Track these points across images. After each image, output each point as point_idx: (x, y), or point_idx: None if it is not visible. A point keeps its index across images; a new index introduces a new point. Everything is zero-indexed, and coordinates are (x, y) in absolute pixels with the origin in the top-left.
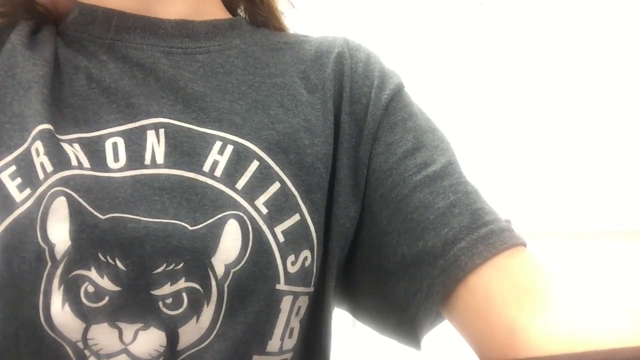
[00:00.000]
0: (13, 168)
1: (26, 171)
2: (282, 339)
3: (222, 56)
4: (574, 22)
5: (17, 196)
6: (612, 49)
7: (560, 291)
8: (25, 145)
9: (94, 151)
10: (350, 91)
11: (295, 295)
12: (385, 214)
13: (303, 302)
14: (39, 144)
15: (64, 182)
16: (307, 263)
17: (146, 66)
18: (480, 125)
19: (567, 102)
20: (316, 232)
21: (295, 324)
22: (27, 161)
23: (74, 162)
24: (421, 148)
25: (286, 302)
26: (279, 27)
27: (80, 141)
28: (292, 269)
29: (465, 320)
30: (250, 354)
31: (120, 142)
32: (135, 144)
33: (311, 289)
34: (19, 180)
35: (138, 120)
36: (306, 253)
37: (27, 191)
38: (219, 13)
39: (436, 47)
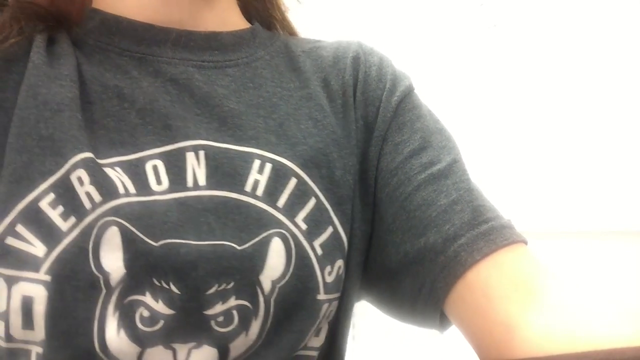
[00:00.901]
0: (52, 196)
1: (68, 199)
2: (309, 339)
3: (250, 69)
4: (574, 22)
5: (62, 225)
6: (612, 49)
7: (558, 289)
8: (62, 172)
9: (136, 174)
10: (363, 95)
11: (330, 302)
12: (390, 212)
13: (334, 307)
14: (82, 173)
15: (114, 211)
16: (341, 271)
17: (180, 82)
18: (480, 125)
19: (567, 102)
20: (347, 241)
21: (324, 325)
22: (66, 189)
23: (121, 190)
24: (427, 148)
25: (323, 310)
26: (289, 31)
27: (121, 165)
28: (329, 279)
29: (464, 317)
30: (290, 356)
31: (160, 164)
32: (175, 166)
33: (339, 294)
34: (60, 208)
35: (176, 143)
36: (340, 262)
37: (72, 220)
38: (240, 22)
39: (436, 47)
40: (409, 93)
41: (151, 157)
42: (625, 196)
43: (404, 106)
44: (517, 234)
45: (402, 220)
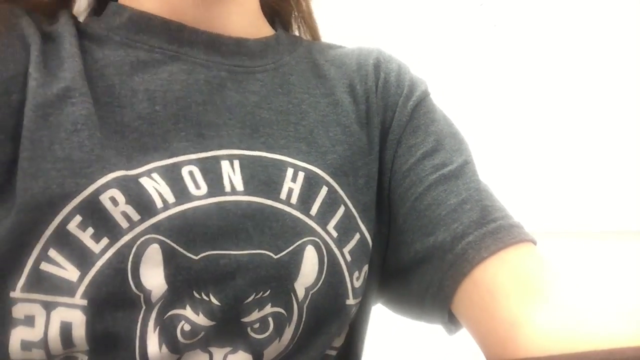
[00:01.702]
0: (79, 218)
1: (98, 220)
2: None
3: (278, 74)
4: (574, 22)
5: (94, 247)
6: (613, 49)
7: (564, 288)
8: (87, 193)
9: (174, 179)
10: (383, 100)
11: (357, 306)
12: (401, 213)
13: (356, 308)
14: (115, 192)
15: (154, 228)
16: (366, 276)
17: (213, 85)
18: (480, 125)
19: (568, 102)
20: (372, 246)
21: (347, 326)
22: (94, 210)
23: (159, 204)
24: (440, 150)
25: (351, 314)
26: (313, 34)
27: (158, 170)
28: (357, 284)
29: (470, 314)
30: (318, 357)
31: (196, 170)
32: (211, 172)
33: (362, 297)
34: (90, 230)
35: (210, 151)
36: (366, 267)
37: (105, 241)
38: (264, 27)
39: (436, 47)
40: (424, 98)
41: (187, 162)
42: (625, 196)
43: (419, 110)
44: (525, 233)
45: (413, 220)
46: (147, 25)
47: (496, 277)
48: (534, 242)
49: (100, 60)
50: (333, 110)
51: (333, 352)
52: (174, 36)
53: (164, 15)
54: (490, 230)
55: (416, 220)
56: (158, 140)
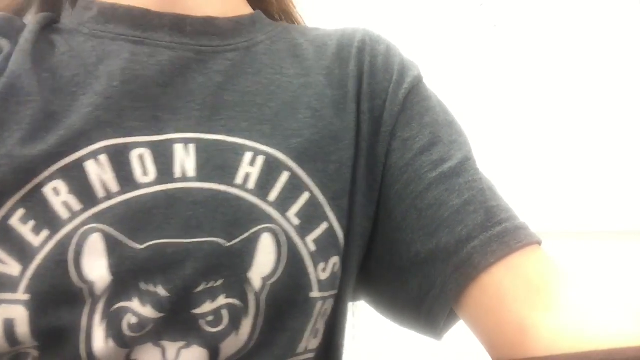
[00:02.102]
0: (22, 211)
1: (39, 213)
2: (308, 340)
3: (250, 54)
4: (574, 22)
5: (34, 240)
6: (613, 48)
7: (573, 290)
8: (31, 186)
9: (121, 164)
10: (369, 87)
11: (325, 300)
12: (400, 210)
13: (329, 305)
14: (58, 183)
15: (96, 218)
16: (336, 268)
17: (177, 66)
18: (480, 125)
19: (568, 102)
20: (344, 237)
21: (321, 325)
22: (37, 202)
23: (102, 193)
24: (438, 143)
25: (318, 308)
26: (295, 21)
27: (106, 151)
28: (323, 276)
29: (477, 318)
30: (285, 357)
31: (147, 153)
32: (162, 156)
33: (336, 291)
34: (32, 222)
35: (165, 134)
36: (335, 259)
37: (45, 233)
38: (242, 8)
39: (436, 47)
40: (417, 84)
41: (138, 144)
42: (625, 196)
43: (412, 99)
44: (531, 235)
45: (413, 219)
46: (112, 16)
47: (503, 282)
48: (539, 243)
49: (68, 52)
50: (304, 92)
51: (311, 355)
52: (138, 22)
53: (130, 3)
54: (496, 234)
55: (417, 219)
56: (112, 115)
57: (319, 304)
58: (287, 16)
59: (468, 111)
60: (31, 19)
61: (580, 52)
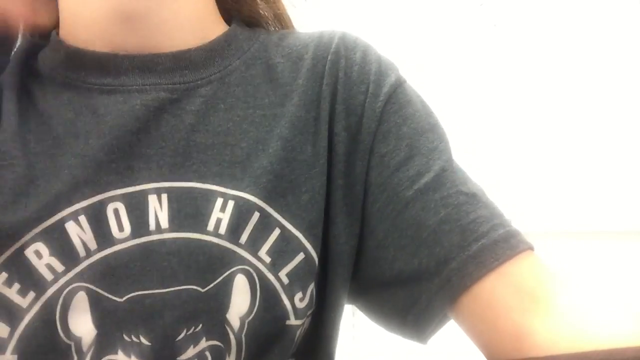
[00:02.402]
0: (4, 275)
1: (23, 275)
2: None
3: (223, 86)
4: (574, 22)
5: (22, 302)
6: (613, 48)
7: (568, 293)
8: (11, 251)
9: (99, 221)
10: (344, 103)
11: (303, 324)
12: (381, 228)
13: (307, 322)
14: (39, 246)
15: (79, 277)
16: (313, 292)
17: (151, 109)
18: (480, 125)
19: (568, 102)
20: (319, 262)
21: (299, 340)
22: (19, 265)
23: (82, 252)
24: (415, 156)
25: (297, 333)
26: (285, 27)
27: (85, 211)
28: (300, 305)
29: (472, 326)
30: None
31: (122, 207)
32: (136, 209)
33: (314, 308)
34: (17, 285)
35: (138, 185)
36: (312, 285)
37: (31, 295)
38: (214, 29)
39: (436, 47)
40: (393, 92)
41: (112, 199)
42: (625, 196)
43: (388, 109)
44: (511, 246)
45: (394, 238)
46: (81, 62)
47: (495, 292)
48: (525, 249)
49: (46, 111)
50: (278, 123)
51: None
52: (107, 69)
53: (94, 48)
54: (472, 255)
55: (398, 239)
56: (89, 173)
57: (298, 331)
58: (277, 18)
59: (468, 111)
60: (13, 56)
61: (580, 52)
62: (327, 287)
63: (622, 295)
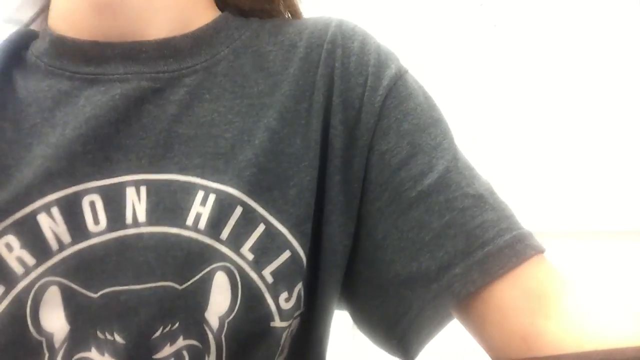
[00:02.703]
0: None
1: None
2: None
3: (210, 76)
4: (574, 22)
5: None
6: (613, 49)
7: (573, 295)
8: None
9: (73, 213)
10: (341, 95)
11: (290, 325)
12: (381, 228)
13: (295, 324)
14: (10, 239)
15: (51, 271)
16: (301, 293)
17: (132, 99)
18: (480, 125)
19: (567, 102)
20: (307, 261)
21: (287, 342)
22: None
23: (55, 245)
24: (417, 154)
25: (283, 336)
26: (291, 12)
27: (58, 203)
28: (286, 305)
29: (478, 327)
30: None
31: (98, 200)
32: (114, 202)
33: (302, 309)
34: None
35: (116, 177)
36: (300, 285)
37: (1, 289)
38: (204, 15)
39: (436, 47)
40: (394, 85)
41: (89, 191)
42: (625, 196)
43: (389, 104)
44: (520, 251)
45: (394, 239)
46: (64, 50)
47: (504, 295)
48: (532, 255)
49: (25, 98)
50: (266, 113)
51: None
52: (89, 57)
53: (77, 35)
54: (477, 261)
55: (398, 240)
56: (63, 164)
57: (284, 333)
58: (289, 6)
59: (468, 111)
60: (2, 43)
61: (580, 52)
62: (318, 288)
63: (623, 295)
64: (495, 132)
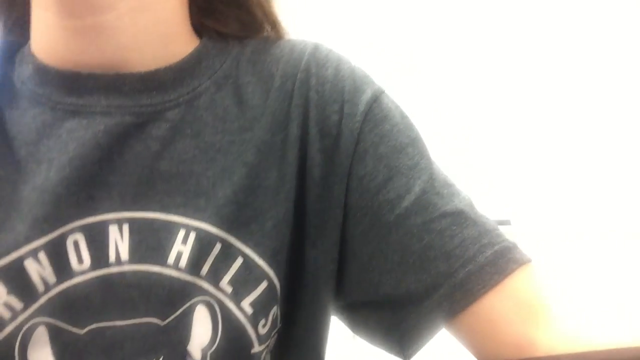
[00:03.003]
0: None
1: None
2: None
3: (192, 110)
4: (573, 22)
5: None
6: (613, 49)
7: (561, 303)
8: None
9: (59, 255)
10: (318, 124)
11: (269, 344)
12: (366, 251)
13: (273, 341)
14: None
15: (38, 312)
16: (276, 315)
17: (114, 135)
18: (480, 125)
19: (568, 102)
20: (282, 287)
21: (267, 357)
22: None
23: (41, 288)
24: (394, 177)
25: (262, 356)
26: (275, 30)
27: (44, 247)
28: (263, 330)
29: (471, 340)
30: None
31: (81, 238)
32: (97, 240)
33: (278, 327)
34: None
35: (100, 215)
36: (274, 309)
37: None
38: (188, 42)
39: (436, 46)
40: (369, 109)
41: (73, 230)
42: (625, 196)
43: (364, 128)
44: (502, 267)
45: (380, 262)
46: (46, 79)
47: (495, 308)
48: (515, 268)
49: (10, 130)
50: (245, 148)
51: None
52: (72, 87)
53: (60, 64)
54: (459, 282)
55: (383, 263)
56: (48, 208)
57: (263, 354)
58: (268, 18)
59: (468, 111)
60: None
61: (580, 53)
62: (303, 308)
63: (615, 298)
64: (494, 132)
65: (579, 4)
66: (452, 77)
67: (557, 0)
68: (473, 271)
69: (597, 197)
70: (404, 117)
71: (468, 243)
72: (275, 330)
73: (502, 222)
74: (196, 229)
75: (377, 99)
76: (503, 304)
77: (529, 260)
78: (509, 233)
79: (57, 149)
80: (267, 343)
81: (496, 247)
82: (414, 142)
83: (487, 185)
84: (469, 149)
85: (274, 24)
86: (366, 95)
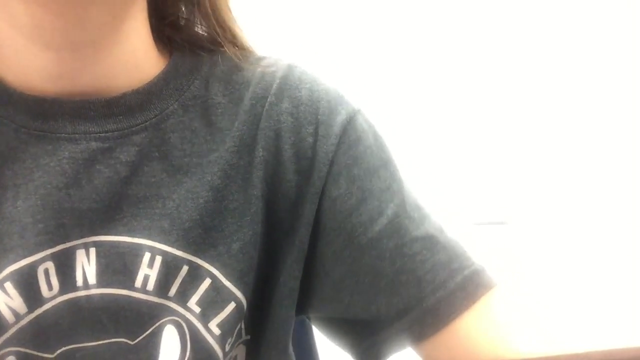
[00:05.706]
0: None
1: None
2: None
3: (159, 133)
4: (573, 22)
5: None
6: (609, 51)
7: (526, 327)
8: None
9: (28, 284)
10: (294, 147)
11: (235, 356)
12: (338, 271)
13: (239, 351)
14: None
15: (8, 343)
16: (242, 327)
17: (80, 162)
18: (479, 125)
19: (563, 104)
20: (248, 303)
21: None
22: None
23: (11, 319)
24: (367, 199)
25: None
26: (239, 46)
27: (12, 277)
28: (228, 347)
29: (446, 358)
30: None
31: (51, 267)
32: (65, 266)
33: (246, 337)
34: None
35: (68, 242)
36: (240, 325)
37: None
38: (156, 65)
39: (435, 46)
40: (344, 131)
41: (43, 259)
42: (621, 198)
43: (338, 150)
44: (471, 293)
45: (351, 283)
46: (9, 100)
47: (470, 331)
48: (483, 294)
49: None
50: (211, 171)
51: None
52: (37, 112)
53: (25, 88)
54: (429, 307)
55: (355, 285)
56: (15, 239)
57: None
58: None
59: (467, 111)
60: None
61: (577, 57)
62: (263, 317)
63: (611, 299)
64: (493, 132)
65: (578, 4)
66: (448, 78)
67: (556, 0)
68: (444, 297)
69: (593, 198)
70: (377, 138)
71: (438, 268)
72: (239, 341)
73: (497, 223)
74: (162, 253)
75: (351, 119)
76: (471, 328)
77: (496, 284)
78: (504, 234)
79: (22, 174)
80: (230, 354)
81: (465, 272)
82: (386, 165)
83: (482, 186)
84: (464, 150)
85: (233, 39)
86: (341, 117)
